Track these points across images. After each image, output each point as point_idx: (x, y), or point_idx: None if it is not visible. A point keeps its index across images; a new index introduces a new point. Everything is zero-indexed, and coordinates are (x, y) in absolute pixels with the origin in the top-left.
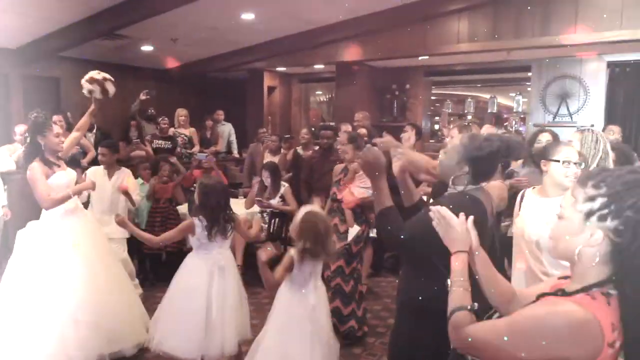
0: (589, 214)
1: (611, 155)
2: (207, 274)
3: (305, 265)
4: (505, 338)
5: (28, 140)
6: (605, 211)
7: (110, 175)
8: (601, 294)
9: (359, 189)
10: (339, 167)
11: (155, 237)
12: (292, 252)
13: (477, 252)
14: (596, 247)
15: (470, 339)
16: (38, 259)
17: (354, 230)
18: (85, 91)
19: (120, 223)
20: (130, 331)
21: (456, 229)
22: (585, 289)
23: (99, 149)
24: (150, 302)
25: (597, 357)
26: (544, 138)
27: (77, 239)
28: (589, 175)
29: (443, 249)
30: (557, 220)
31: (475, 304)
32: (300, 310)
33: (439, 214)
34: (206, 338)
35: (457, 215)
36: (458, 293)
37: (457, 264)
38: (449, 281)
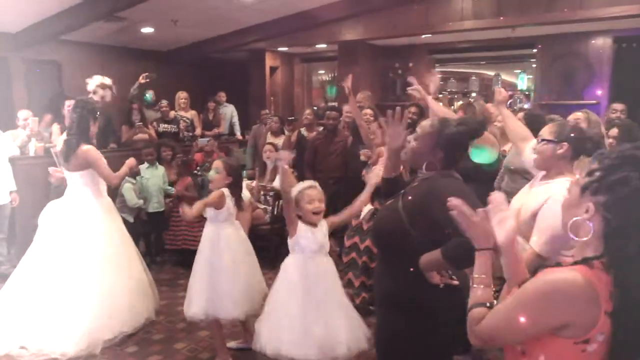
0: (585, 188)
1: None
2: (240, 243)
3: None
4: (512, 315)
5: (76, 124)
6: (597, 185)
7: None
8: (600, 264)
9: (379, 172)
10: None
11: (189, 209)
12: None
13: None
14: (590, 221)
15: (485, 332)
16: (65, 236)
17: (367, 208)
18: (97, 97)
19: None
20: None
21: (478, 226)
22: (583, 261)
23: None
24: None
25: (595, 324)
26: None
27: (102, 219)
28: (600, 152)
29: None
30: (567, 194)
31: (495, 301)
32: (305, 278)
33: (461, 210)
34: (251, 300)
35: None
36: (479, 290)
37: (480, 260)
38: (471, 277)
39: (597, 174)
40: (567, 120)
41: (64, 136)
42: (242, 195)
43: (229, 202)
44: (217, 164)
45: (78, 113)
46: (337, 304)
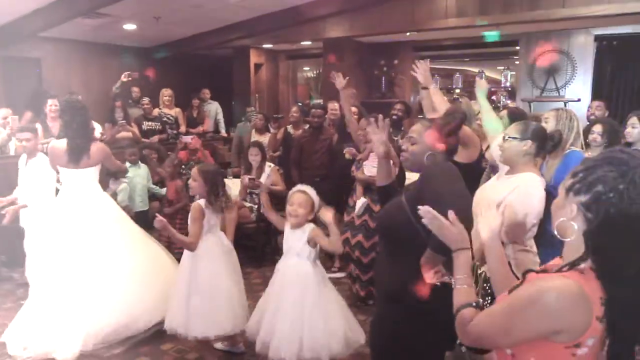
0: (568, 189)
1: (580, 133)
2: (222, 254)
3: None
4: (503, 321)
5: (76, 124)
6: (579, 185)
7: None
8: (590, 269)
9: (370, 167)
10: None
11: (187, 238)
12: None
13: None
14: (576, 221)
15: (475, 334)
16: (96, 228)
17: (360, 202)
18: None
19: (162, 226)
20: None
21: (450, 228)
22: (571, 265)
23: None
24: None
25: (586, 330)
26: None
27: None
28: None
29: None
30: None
31: (480, 300)
32: (294, 277)
33: (430, 214)
34: (233, 315)
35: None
36: (462, 291)
37: (459, 261)
38: (452, 279)
39: (580, 174)
40: (532, 119)
41: (58, 141)
42: (226, 194)
43: (208, 213)
44: (193, 171)
45: (69, 114)
46: (327, 303)
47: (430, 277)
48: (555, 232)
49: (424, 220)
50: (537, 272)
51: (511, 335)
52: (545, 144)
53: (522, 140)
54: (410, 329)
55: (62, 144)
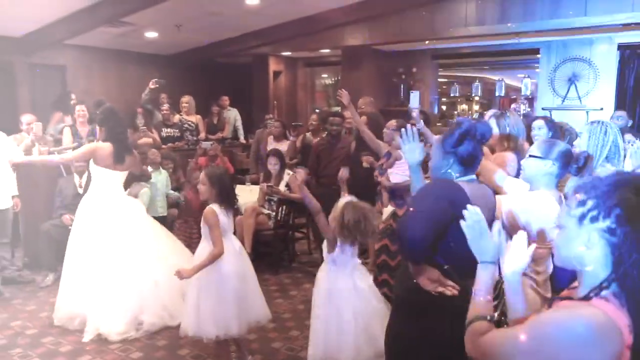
0: (581, 218)
1: (623, 147)
2: (234, 256)
3: (347, 247)
4: (524, 345)
5: (116, 130)
6: (596, 212)
7: None
8: (613, 296)
9: (396, 175)
10: (383, 151)
11: (215, 251)
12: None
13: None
14: (594, 249)
15: (486, 349)
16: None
17: (388, 210)
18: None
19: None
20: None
21: (487, 239)
22: (594, 291)
23: None
24: None
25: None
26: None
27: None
28: (580, 183)
29: (446, 248)
30: (558, 231)
31: (495, 314)
32: (343, 289)
33: (476, 217)
34: (238, 318)
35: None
36: (480, 303)
37: (483, 274)
38: (473, 289)
39: (591, 202)
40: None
41: (104, 144)
42: (237, 201)
43: (222, 218)
44: (201, 175)
45: (112, 121)
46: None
47: (427, 285)
48: (574, 264)
49: (462, 222)
50: (562, 298)
51: (528, 358)
52: (569, 166)
53: (544, 159)
54: (419, 335)
55: (107, 146)
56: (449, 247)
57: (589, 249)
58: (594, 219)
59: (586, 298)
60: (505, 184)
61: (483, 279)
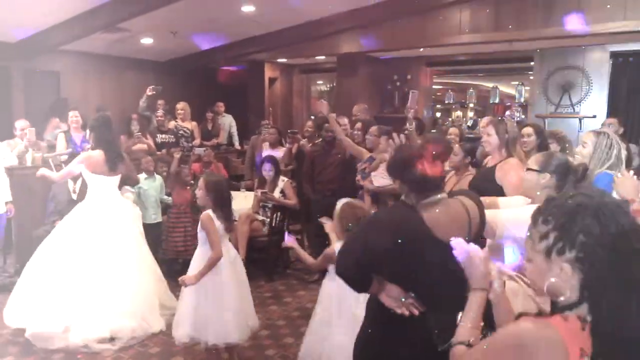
0: (548, 252)
1: (623, 158)
2: (229, 264)
3: None
4: (478, 353)
5: (106, 137)
6: (560, 244)
7: None
8: (576, 318)
9: (379, 178)
10: (364, 157)
11: (213, 255)
12: (335, 244)
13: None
14: (568, 279)
15: None
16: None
17: None
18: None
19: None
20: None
21: (478, 266)
22: (559, 310)
23: None
24: None
25: None
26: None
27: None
28: (538, 212)
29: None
30: (527, 264)
31: (472, 340)
32: (340, 301)
33: (461, 247)
34: (238, 324)
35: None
36: (465, 328)
37: (472, 299)
38: (460, 314)
39: (553, 234)
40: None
41: (95, 151)
42: (232, 213)
43: (218, 224)
44: (200, 180)
45: (104, 129)
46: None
47: (388, 303)
48: (547, 294)
49: (454, 252)
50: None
51: None
52: (567, 178)
53: (541, 172)
54: (379, 345)
55: (98, 154)
56: (402, 274)
57: (562, 280)
58: (560, 252)
59: (551, 314)
60: (500, 200)
61: (472, 304)
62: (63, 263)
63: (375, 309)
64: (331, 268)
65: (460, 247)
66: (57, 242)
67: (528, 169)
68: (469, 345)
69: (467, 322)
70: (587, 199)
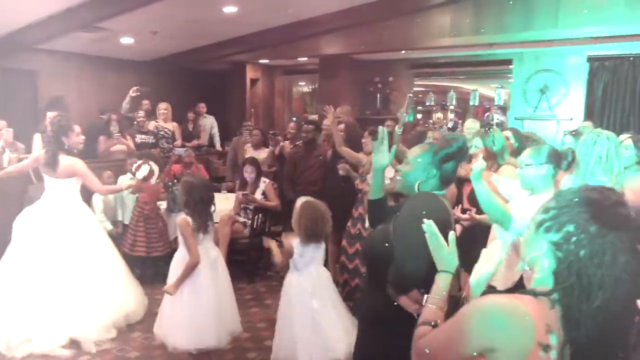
0: (539, 225)
1: (606, 159)
2: (208, 267)
3: (307, 250)
4: (445, 335)
5: (50, 139)
6: (550, 223)
7: None
8: (547, 298)
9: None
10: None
11: (190, 261)
12: (292, 240)
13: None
14: (545, 259)
15: (425, 349)
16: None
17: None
18: None
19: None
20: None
21: (444, 249)
22: (530, 292)
23: None
24: None
25: (526, 355)
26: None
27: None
28: (559, 191)
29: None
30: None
31: (439, 321)
32: (300, 293)
33: (431, 230)
34: (215, 329)
35: (432, 218)
36: (430, 310)
37: (438, 282)
38: (425, 296)
39: (552, 212)
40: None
41: (41, 151)
42: (211, 215)
43: (194, 226)
44: (181, 182)
45: (53, 132)
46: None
47: (410, 307)
48: (526, 266)
49: (426, 236)
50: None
51: (450, 349)
52: (561, 163)
53: (538, 165)
54: (386, 354)
55: (42, 154)
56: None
57: (541, 257)
58: (547, 230)
59: (521, 293)
60: (500, 185)
61: (437, 286)
62: (24, 270)
63: (380, 313)
64: (291, 262)
65: (430, 230)
66: (17, 249)
67: (525, 165)
68: (435, 326)
69: (433, 304)
70: (593, 197)
